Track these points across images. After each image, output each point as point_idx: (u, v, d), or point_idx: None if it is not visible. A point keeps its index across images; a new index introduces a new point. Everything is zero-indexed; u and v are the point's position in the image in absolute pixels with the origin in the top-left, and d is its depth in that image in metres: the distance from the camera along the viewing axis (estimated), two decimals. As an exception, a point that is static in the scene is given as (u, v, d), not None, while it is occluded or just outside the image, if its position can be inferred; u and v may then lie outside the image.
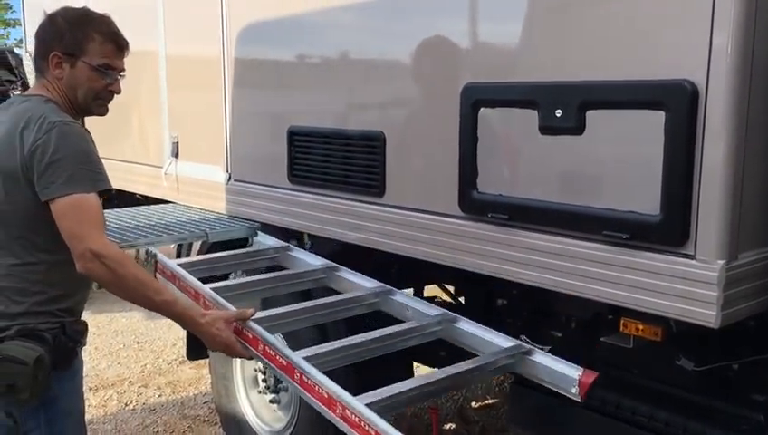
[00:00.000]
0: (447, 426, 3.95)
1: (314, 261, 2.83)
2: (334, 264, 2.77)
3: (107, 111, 2.15)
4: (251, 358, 2.15)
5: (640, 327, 1.95)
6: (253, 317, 2.16)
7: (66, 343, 1.99)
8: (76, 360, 2.09)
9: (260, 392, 3.35)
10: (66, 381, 2.03)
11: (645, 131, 1.76)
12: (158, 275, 2.74)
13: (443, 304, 3.74)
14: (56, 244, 1.93)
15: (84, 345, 2.11)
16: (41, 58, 2.05)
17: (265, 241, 3.04)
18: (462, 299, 3.57)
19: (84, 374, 4.82)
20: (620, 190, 1.84)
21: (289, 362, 2.00)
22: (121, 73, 2.12)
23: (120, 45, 2.09)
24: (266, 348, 2.07)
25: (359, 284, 2.68)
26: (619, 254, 1.84)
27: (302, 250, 2.94)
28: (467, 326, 2.39)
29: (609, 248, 1.86)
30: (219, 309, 2.28)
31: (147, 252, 2.82)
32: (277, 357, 2.04)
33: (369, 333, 2.31)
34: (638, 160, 1.79)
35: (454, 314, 2.45)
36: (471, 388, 4.47)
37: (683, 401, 2.11)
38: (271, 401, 3.27)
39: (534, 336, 3.04)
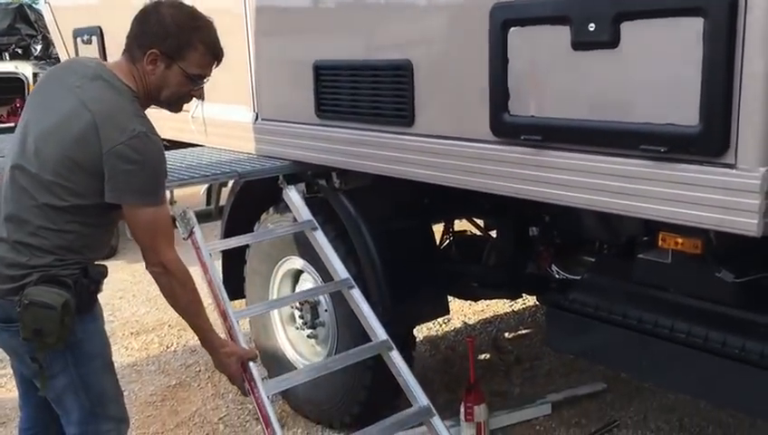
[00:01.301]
0: (482, 356, 4.01)
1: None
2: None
3: (180, 111, 2.22)
4: (246, 394, 2.42)
5: (679, 241, 1.94)
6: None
7: (88, 286, 2.02)
8: (97, 303, 2.13)
9: (297, 328, 3.42)
10: (89, 323, 2.07)
11: (683, 40, 1.72)
12: (190, 241, 2.80)
13: (473, 237, 3.77)
14: (94, 217, 2.00)
15: (101, 290, 2.14)
16: (137, 46, 2.03)
17: (293, 199, 3.06)
18: (493, 232, 3.58)
19: (125, 321, 4.98)
20: (657, 103, 1.80)
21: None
22: (206, 79, 2.13)
23: (217, 58, 2.12)
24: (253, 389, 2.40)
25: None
26: (656, 168, 1.82)
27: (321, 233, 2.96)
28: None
29: (647, 163, 1.84)
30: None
31: (184, 213, 2.81)
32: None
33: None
34: (676, 71, 1.75)
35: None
36: (504, 319, 4.52)
37: (722, 315, 2.11)
38: (309, 337, 3.34)
39: (567, 264, 3.06)
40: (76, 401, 2.08)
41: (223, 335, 2.52)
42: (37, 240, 1.96)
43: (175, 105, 2.16)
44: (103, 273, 2.11)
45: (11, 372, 4.14)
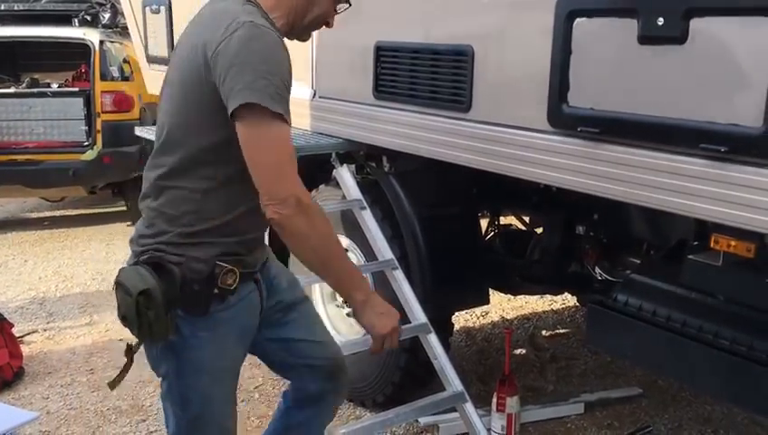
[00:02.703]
0: (518, 351, 4.00)
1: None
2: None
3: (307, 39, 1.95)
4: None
5: (732, 243, 1.92)
6: None
7: (191, 284, 1.67)
8: (222, 309, 1.73)
9: (338, 306, 3.47)
10: (201, 331, 1.72)
11: (753, 40, 1.69)
12: None
13: (518, 232, 3.76)
14: (228, 173, 1.67)
15: (230, 295, 1.73)
16: None
17: (344, 177, 3.08)
18: (538, 230, 3.57)
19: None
20: (721, 102, 1.78)
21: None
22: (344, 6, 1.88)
23: None
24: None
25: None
26: (715, 168, 1.80)
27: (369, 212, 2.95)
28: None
29: (706, 162, 1.82)
30: None
31: None
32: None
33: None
34: (744, 71, 1.73)
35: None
36: (542, 317, 4.50)
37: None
38: (347, 315, 3.38)
39: (612, 266, 3.04)
40: (173, 415, 1.82)
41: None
42: (165, 205, 1.71)
43: (308, 32, 1.90)
44: (219, 276, 1.69)
45: (60, 325, 4.34)
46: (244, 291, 1.77)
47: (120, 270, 1.72)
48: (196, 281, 1.68)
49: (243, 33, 1.56)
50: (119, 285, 1.69)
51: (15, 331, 3.86)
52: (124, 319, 1.70)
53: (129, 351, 1.78)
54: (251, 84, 1.53)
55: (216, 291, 1.70)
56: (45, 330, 4.29)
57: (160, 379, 1.81)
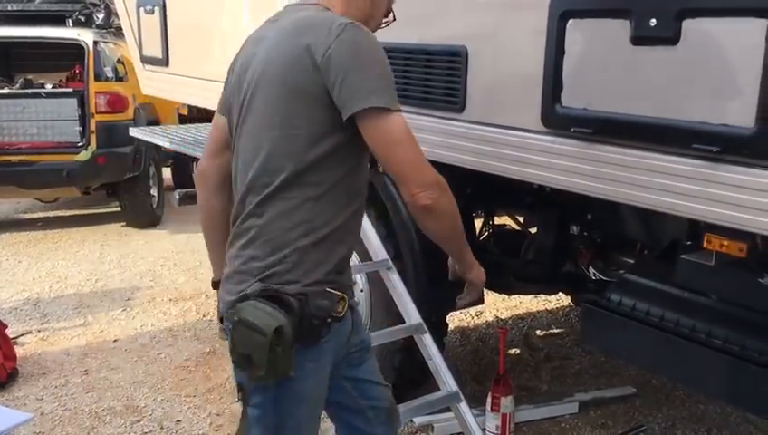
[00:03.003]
0: (512, 351, 4.01)
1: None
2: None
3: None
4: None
5: (725, 243, 1.93)
6: None
7: (311, 317, 1.62)
8: (327, 339, 1.68)
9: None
10: (309, 362, 1.66)
11: (744, 41, 1.70)
12: None
13: (512, 232, 3.77)
14: (337, 175, 1.65)
15: (336, 323, 1.68)
16: None
17: None
18: (532, 229, 3.57)
19: (164, 287, 5.10)
20: (714, 103, 1.79)
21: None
22: None
23: None
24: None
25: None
26: (707, 168, 1.81)
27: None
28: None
29: (698, 163, 1.83)
30: None
31: None
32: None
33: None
34: (736, 72, 1.74)
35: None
36: (536, 317, 4.51)
37: (762, 323, 2.08)
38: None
39: (605, 265, 3.04)
40: None
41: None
42: (273, 224, 1.65)
43: (381, 21, 1.87)
44: (332, 303, 1.66)
45: (54, 326, 4.33)
46: (344, 319, 1.73)
47: (238, 308, 1.61)
48: (316, 315, 1.63)
49: (350, 36, 1.57)
50: (241, 323, 1.59)
51: (9, 332, 3.85)
52: (246, 359, 1.59)
53: (245, 394, 1.68)
54: (373, 87, 1.55)
55: (328, 320, 1.66)
56: (39, 331, 4.28)
57: (242, 402, 1.70)
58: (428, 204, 1.61)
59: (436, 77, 2.61)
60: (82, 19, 6.45)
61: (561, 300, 4.66)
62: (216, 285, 1.89)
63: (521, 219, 3.76)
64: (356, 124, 1.58)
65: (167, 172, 7.62)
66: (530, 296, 4.60)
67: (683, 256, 2.16)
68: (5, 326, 3.77)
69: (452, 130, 2.55)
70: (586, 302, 2.59)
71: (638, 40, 1.90)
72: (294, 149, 1.63)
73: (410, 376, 3.07)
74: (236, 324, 1.59)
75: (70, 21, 6.44)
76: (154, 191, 6.94)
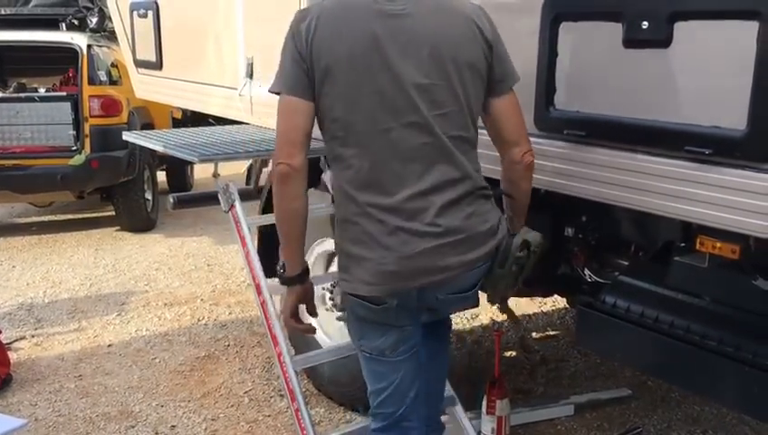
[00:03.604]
0: (508, 353, 4.01)
1: None
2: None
3: None
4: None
5: (718, 245, 1.93)
6: None
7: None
8: None
9: (327, 310, 3.45)
10: None
11: (736, 43, 1.71)
12: (230, 214, 2.84)
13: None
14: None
15: None
16: None
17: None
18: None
19: (159, 292, 5.10)
20: (706, 105, 1.79)
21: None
22: None
23: None
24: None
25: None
26: (700, 170, 1.81)
27: None
28: None
29: (691, 165, 1.83)
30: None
31: (226, 187, 2.84)
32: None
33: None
34: (727, 74, 1.74)
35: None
36: (532, 319, 4.51)
37: (756, 324, 2.09)
38: (338, 319, 3.36)
39: (600, 267, 3.04)
40: None
41: (257, 313, 2.55)
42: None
43: None
44: None
45: (48, 331, 4.31)
46: None
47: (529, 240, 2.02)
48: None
49: (488, 16, 1.92)
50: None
51: (3, 337, 3.83)
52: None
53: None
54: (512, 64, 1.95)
55: None
56: (33, 336, 4.27)
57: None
58: (532, 160, 1.98)
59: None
60: (76, 23, 6.44)
61: (557, 302, 4.66)
62: (294, 280, 2.00)
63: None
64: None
65: (161, 176, 7.61)
66: (525, 298, 4.60)
67: (676, 258, 2.17)
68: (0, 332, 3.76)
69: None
70: (581, 304, 2.59)
71: (630, 43, 1.91)
72: (476, 111, 1.93)
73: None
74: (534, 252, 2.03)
75: (63, 25, 6.43)
76: (149, 195, 6.92)
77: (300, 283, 2.00)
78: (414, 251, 1.83)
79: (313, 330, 2.22)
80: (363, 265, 1.87)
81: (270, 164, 3.72)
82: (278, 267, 2.04)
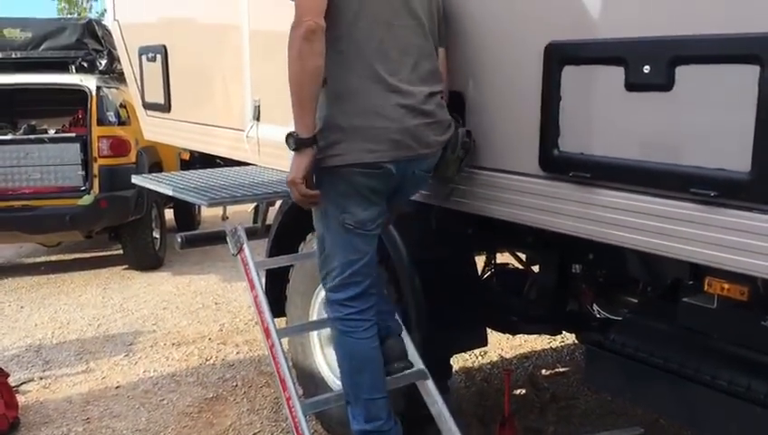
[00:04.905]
0: (518, 391, 3.98)
1: None
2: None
3: None
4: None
5: (726, 286, 1.93)
6: None
7: None
8: None
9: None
10: None
11: (737, 86, 1.73)
12: (238, 258, 2.87)
13: (515, 270, 3.76)
14: None
15: None
16: None
17: None
18: (535, 268, 3.57)
19: (167, 331, 5.09)
20: (709, 147, 1.81)
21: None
22: None
23: None
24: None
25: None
26: (706, 212, 1.82)
27: None
28: None
29: (696, 206, 1.84)
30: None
31: (234, 230, 2.87)
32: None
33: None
34: (729, 116, 1.76)
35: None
36: (542, 356, 4.48)
37: (766, 364, 2.07)
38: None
39: (609, 303, 3.03)
40: None
41: (265, 352, 2.56)
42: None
43: None
44: None
45: (56, 373, 4.31)
46: None
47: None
48: None
49: None
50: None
51: (11, 380, 3.83)
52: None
53: None
54: None
55: None
56: (41, 378, 4.26)
57: None
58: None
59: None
60: (85, 65, 6.53)
61: (566, 338, 4.63)
62: (308, 141, 2.16)
63: (523, 257, 3.77)
64: None
65: (169, 213, 7.65)
66: (534, 334, 4.57)
67: (685, 299, 2.16)
68: (7, 375, 3.75)
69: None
70: (589, 343, 2.58)
71: (632, 86, 1.93)
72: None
73: (414, 422, 3.04)
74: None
75: (73, 67, 6.53)
76: (156, 233, 6.96)
77: (312, 145, 2.17)
78: (411, 124, 2.23)
79: (319, 195, 2.26)
80: (368, 134, 2.19)
81: (278, 204, 3.74)
82: (288, 139, 2.18)
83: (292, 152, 2.20)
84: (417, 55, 2.29)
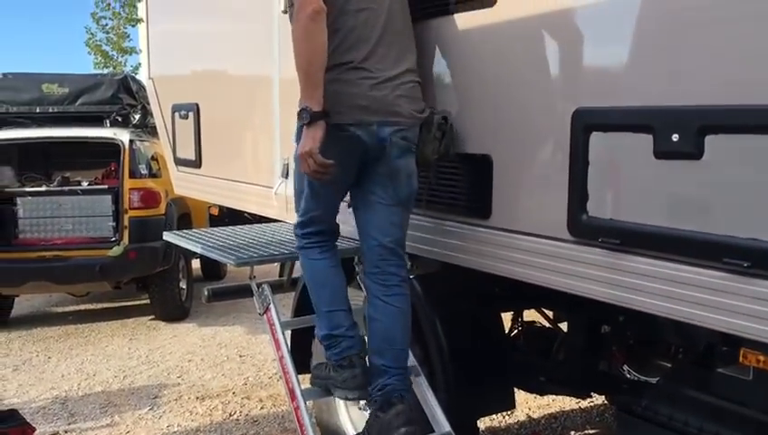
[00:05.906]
0: (546, 454, 3.88)
1: None
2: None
3: None
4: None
5: (762, 359, 1.88)
6: None
7: None
8: None
9: (360, 409, 3.41)
10: None
11: (766, 155, 1.72)
12: (265, 317, 2.89)
13: (543, 329, 3.71)
14: None
15: None
16: None
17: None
18: (563, 325, 3.52)
19: (191, 384, 5.07)
20: (741, 216, 1.79)
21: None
22: None
23: None
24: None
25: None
26: (739, 282, 1.79)
27: None
28: None
29: (729, 276, 1.81)
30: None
31: (261, 289, 2.90)
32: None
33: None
34: (760, 186, 1.74)
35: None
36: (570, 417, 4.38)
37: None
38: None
39: (640, 365, 2.97)
40: None
41: (289, 408, 2.53)
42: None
43: None
44: None
45: (81, 426, 4.29)
46: None
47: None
48: None
49: None
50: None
51: (37, 434, 3.83)
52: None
53: None
54: None
55: None
56: (66, 432, 4.26)
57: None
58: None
59: (461, 184, 2.65)
60: (119, 119, 6.71)
61: (596, 398, 4.52)
62: (320, 115, 2.34)
63: (551, 315, 3.72)
64: None
65: (195, 263, 7.71)
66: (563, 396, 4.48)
67: (719, 370, 2.11)
68: (34, 429, 3.75)
69: (478, 236, 2.57)
70: (620, 408, 2.52)
71: (661, 154, 1.93)
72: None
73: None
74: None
75: (107, 121, 6.71)
76: (183, 284, 7.01)
77: (324, 117, 2.34)
78: (380, 94, 2.44)
79: (333, 165, 2.38)
80: (336, 99, 2.38)
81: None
82: (303, 113, 2.35)
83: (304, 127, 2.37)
84: (393, 38, 2.51)
